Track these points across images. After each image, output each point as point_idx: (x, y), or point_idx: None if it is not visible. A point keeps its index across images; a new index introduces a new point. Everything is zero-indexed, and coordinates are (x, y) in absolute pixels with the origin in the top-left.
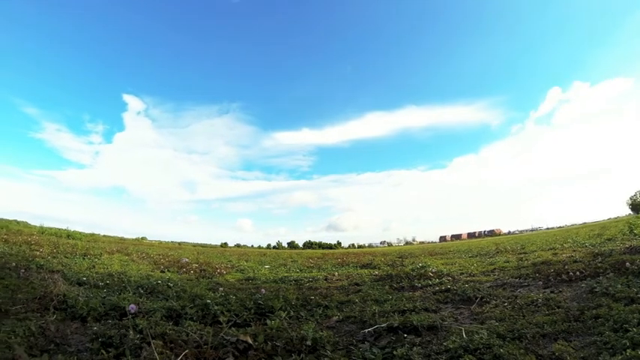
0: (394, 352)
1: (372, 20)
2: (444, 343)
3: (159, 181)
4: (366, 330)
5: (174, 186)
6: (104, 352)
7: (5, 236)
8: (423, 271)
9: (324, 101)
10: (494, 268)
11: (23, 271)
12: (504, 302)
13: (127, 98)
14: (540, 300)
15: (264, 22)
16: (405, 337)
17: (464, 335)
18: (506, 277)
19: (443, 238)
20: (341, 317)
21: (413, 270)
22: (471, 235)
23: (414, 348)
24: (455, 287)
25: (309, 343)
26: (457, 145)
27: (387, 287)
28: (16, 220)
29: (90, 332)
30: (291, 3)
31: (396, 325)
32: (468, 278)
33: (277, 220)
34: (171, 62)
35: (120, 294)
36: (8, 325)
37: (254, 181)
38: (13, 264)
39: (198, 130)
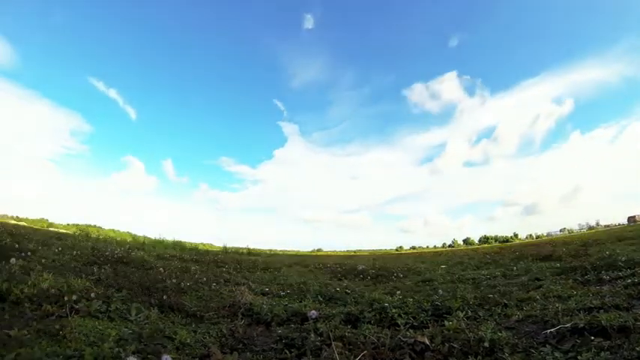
0: (578, 358)
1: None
2: (637, 348)
3: (323, 189)
4: (548, 331)
5: (339, 192)
6: (287, 352)
7: (195, 256)
8: (610, 260)
9: None
10: None
11: (214, 284)
12: None
13: (278, 104)
14: None
15: None
16: (592, 340)
17: None
18: None
19: (632, 219)
20: (520, 316)
21: (599, 260)
22: None
23: (602, 353)
24: None
25: (486, 344)
26: (603, 108)
27: (570, 281)
28: (202, 243)
29: (274, 335)
30: None
31: (581, 325)
32: None
33: (456, 213)
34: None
35: (300, 302)
36: (203, 328)
37: (424, 176)
38: (204, 279)
39: (349, 127)
